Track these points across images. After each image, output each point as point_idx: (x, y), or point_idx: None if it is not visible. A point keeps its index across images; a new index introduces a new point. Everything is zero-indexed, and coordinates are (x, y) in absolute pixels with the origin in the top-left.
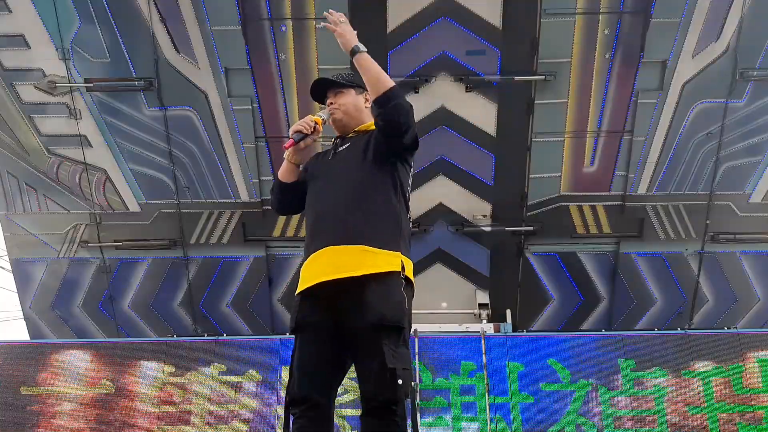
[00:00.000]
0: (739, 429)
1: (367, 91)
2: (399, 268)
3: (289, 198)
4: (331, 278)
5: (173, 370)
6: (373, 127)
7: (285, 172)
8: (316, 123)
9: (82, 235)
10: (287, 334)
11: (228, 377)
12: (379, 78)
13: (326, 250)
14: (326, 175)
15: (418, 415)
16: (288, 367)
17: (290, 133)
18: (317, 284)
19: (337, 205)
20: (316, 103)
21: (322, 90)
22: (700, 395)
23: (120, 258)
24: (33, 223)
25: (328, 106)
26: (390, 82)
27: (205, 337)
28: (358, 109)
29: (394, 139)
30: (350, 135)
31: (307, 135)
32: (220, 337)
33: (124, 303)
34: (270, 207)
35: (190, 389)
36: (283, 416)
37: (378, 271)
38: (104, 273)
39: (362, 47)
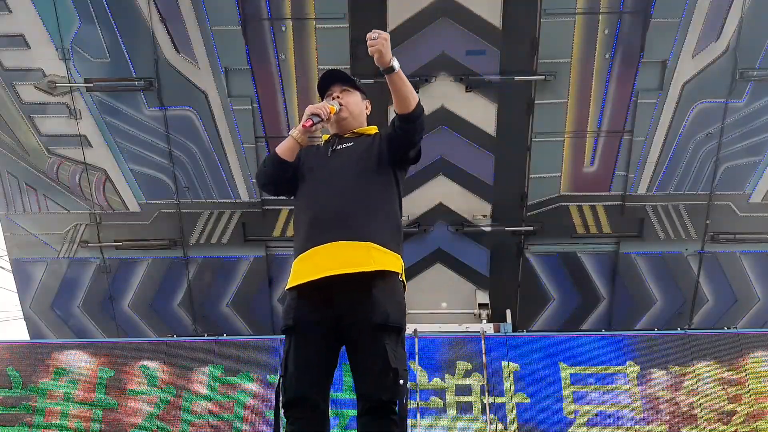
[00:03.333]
0: None
1: (368, 99)
2: (401, 270)
3: (282, 176)
4: (338, 272)
5: (173, 370)
6: (373, 131)
7: (288, 150)
8: (329, 111)
9: (82, 235)
10: (281, 331)
11: (227, 377)
12: (410, 94)
13: (332, 245)
14: (326, 171)
15: (417, 416)
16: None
17: (307, 113)
18: (322, 278)
19: (342, 202)
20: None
21: (328, 82)
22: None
23: (120, 258)
24: (33, 223)
25: (333, 98)
26: (416, 97)
27: (205, 337)
28: (360, 112)
29: (403, 151)
30: (348, 135)
31: (321, 120)
32: (220, 337)
33: (124, 303)
34: (270, 206)
35: (190, 389)
36: (273, 417)
37: (385, 269)
38: (104, 273)
39: (397, 64)
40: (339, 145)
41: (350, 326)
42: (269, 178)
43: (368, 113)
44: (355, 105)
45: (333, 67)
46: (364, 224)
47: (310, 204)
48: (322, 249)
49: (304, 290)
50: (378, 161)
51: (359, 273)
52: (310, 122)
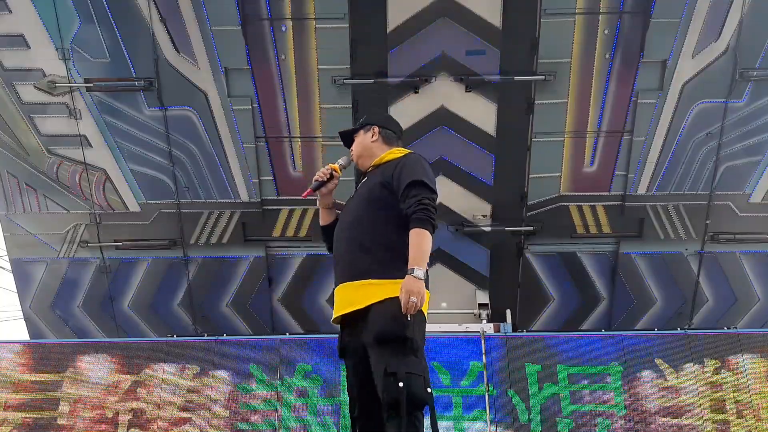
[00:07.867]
0: None
1: (372, 125)
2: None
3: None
4: (344, 312)
5: (173, 369)
6: (387, 158)
7: (321, 216)
8: (333, 170)
9: (82, 235)
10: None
11: (227, 377)
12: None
13: (341, 287)
14: (346, 210)
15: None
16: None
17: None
18: (341, 315)
19: (346, 242)
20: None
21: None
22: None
23: (120, 258)
24: (33, 223)
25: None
26: (429, 240)
27: (205, 337)
28: (366, 146)
29: None
30: (368, 170)
31: (324, 182)
32: (220, 337)
33: (124, 303)
34: (270, 206)
35: (189, 389)
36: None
37: (380, 299)
38: (104, 273)
39: (421, 272)
40: (360, 183)
41: (366, 348)
42: (331, 244)
43: (374, 139)
44: (359, 145)
45: (341, 129)
46: (362, 263)
47: (334, 245)
48: (338, 289)
49: (339, 323)
50: (380, 193)
51: (355, 311)
52: (309, 190)
